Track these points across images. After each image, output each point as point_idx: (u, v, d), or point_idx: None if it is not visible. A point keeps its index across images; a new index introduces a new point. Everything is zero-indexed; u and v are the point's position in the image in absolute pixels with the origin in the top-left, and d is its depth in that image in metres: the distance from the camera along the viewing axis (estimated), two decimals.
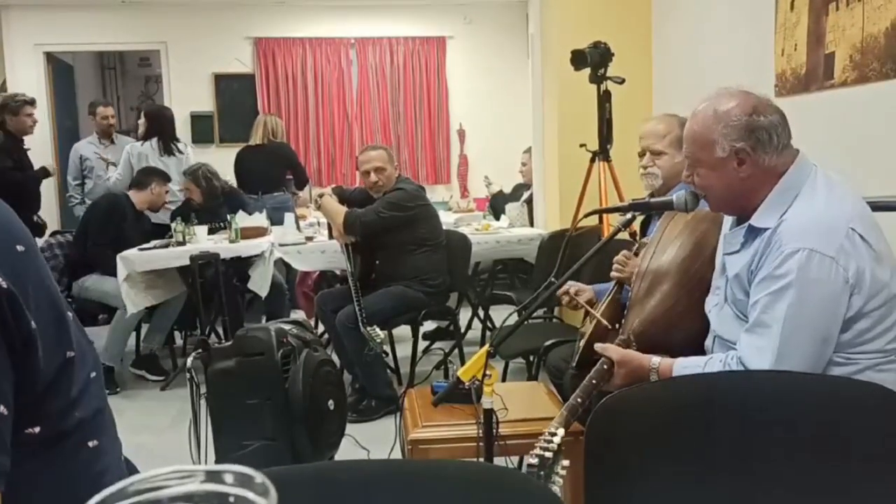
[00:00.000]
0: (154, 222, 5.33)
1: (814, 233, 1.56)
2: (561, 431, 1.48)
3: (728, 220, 1.86)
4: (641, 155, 2.62)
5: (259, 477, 0.41)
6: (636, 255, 2.28)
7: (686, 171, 1.80)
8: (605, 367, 1.79)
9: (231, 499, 0.41)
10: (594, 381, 1.75)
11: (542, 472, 1.40)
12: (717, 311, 1.82)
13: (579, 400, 1.66)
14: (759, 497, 1.19)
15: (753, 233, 1.69)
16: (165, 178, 4.96)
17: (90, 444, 1.00)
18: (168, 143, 5.56)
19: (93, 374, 1.04)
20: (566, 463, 1.43)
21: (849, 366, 1.58)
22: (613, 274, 2.30)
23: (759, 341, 1.58)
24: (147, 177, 4.87)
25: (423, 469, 1.00)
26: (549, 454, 1.41)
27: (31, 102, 5.38)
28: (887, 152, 2.72)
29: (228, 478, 0.41)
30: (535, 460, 1.42)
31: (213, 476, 0.41)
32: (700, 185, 1.76)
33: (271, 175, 5.91)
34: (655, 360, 1.76)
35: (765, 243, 1.63)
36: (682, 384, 1.40)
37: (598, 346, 1.87)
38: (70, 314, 1.01)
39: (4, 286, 0.88)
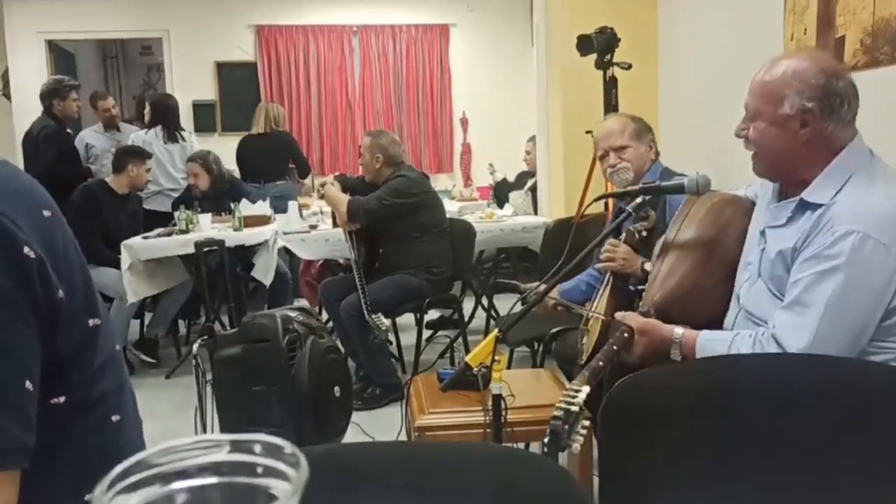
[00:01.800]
0: (157, 210, 5.34)
1: (871, 217, 1.51)
2: (585, 388, 1.46)
3: (767, 195, 1.80)
4: (603, 157, 2.68)
5: (289, 447, 0.40)
6: (626, 242, 2.27)
7: (742, 122, 1.72)
8: (625, 335, 1.77)
9: (259, 469, 0.39)
10: (615, 348, 1.73)
11: (566, 426, 1.39)
12: (748, 286, 1.76)
13: (600, 363, 1.64)
14: (781, 484, 1.17)
15: (803, 208, 1.64)
16: (142, 156, 4.83)
17: (113, 418, 1.00)
18: (172, 130, 5.55)
19: (117, 348, 1.04)
20: (587, 423, 1.42)
21: (879, 354, 1.54)
22: (604, 265, 2.28)
23: (796, 320, 1.54)
24: (123, 159, 4.75)
25: (434, 450, 0.99)
26: (574, 407, 1.40)
27: (77, 87, 5.44)
28: None
29: (257, 448, 0.39)
30: (559, 413, 1.41)
31: (240, 446, 0.40)
32: (754, 140, 1.69)
33: (273, 164, 5.90)
34: (678, 331, 1.73)
35: (814, 222, 1.58)
36: (702, 366, 1.38)
37: (618, 315, 1.85)
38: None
39: (33, 255, 0.87)
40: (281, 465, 0.39)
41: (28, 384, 0.86)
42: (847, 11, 2.89)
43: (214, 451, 0.40)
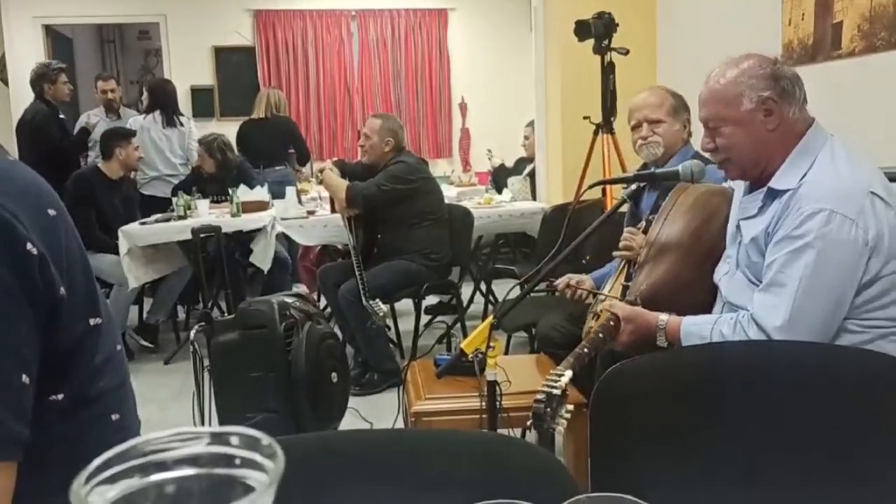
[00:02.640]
0: (156, 196, 5.34)
1: (835, 194, 1.56)
2: (568, 373, 1.48)
3: (740, 188, 1.85)
4: (636, 128, 2.62)
5: (266, 439, 0.40)
6: (644, 232, 2.26)
7: (705, 137, 1.77)
8: (611, 323, 1.78)
9: (237, 461, 0.40)
10: (601, 336, 1.75)
11: (547, 410, 1.40)
12: (727, 279, 1.81)
13: (585, 350, 1.66)
14: (768, 470, 1.18)
15: (772, 195, 1.69)
16: (126, 135, 4.77)
17: (112, 417, 1.01)
18: (171, 115, 5.54)
19: (118, 347, 1.04)
20: (570, 407, 1.44)
21: (860, 334, 1.58)
22: (620, 253, 2.28)
23: (773, 299, 1.59)
24: (108, 144, 4.70)
25: (427, 438, 1.00)
26: (556, 391, 1.42)
27: (65, 69, 5.44)
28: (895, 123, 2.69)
29: (234, 440, 0.40)
30: (541, 396, 1.42)
31: (218, 438, 0.40)
32: (724, 147, 1.73)
33: (273, 149, 5.89)
34: (663, 317, 1.77)
35: (783, 205, 1.63)
36: (690, 354, 1.40)
37: (605, 304, 1.87)
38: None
39: (35, 252, 0.88)
40: (258, 457, 0.39)
41: (25, 377, 0.87)
42: None
43: (193, 442, 0.40)
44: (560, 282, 2.56)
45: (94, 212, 4.47)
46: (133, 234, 4.30)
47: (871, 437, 1.25)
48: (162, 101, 5.57)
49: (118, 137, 4.72)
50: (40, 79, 5.39)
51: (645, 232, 2.25)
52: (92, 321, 0.97)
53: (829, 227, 1.53)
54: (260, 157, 5.80)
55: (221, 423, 2.47)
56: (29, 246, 0.87)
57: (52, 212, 0.95)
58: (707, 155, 1.83)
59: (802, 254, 1.56)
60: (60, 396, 0.94)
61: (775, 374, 1.26)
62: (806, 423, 1.21)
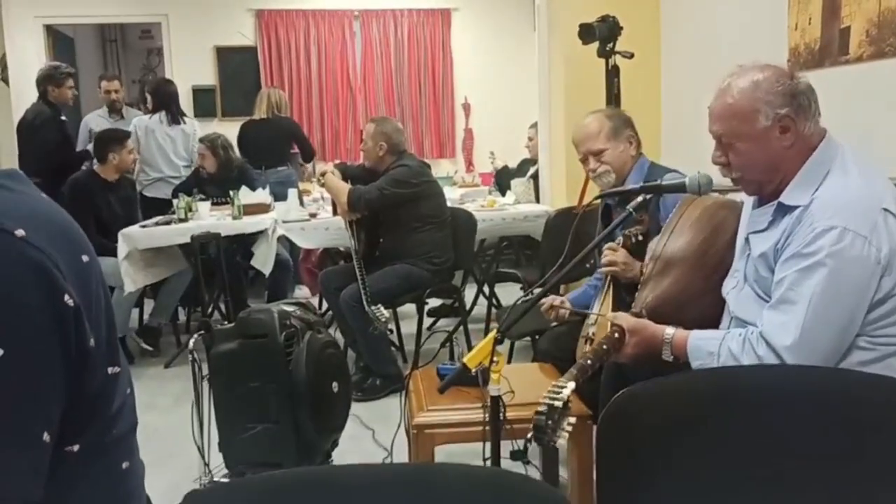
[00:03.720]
0: (158, 198, 5.32)
1: (848, 211, 1.53)
2: (571, 384, 1.45)
3: (749, 201, 1.81)
4: (583, 161, 2.63)
5: None
6: (624, 246, 2.24)
7: (717, 151, 1.73)
8: (615, 335, 1.75)
9: None
10: (605, 347, 1.72)
11: (549, 422, 1.37)
12: (735, 293, 1.78)
13: (589, 361, 1.63)
14: (780, 496, 1.16)
15: (783, 211, 1.66)
16: (120, 139, 4.73)
17: (123, 465, 0.98)
18: (175, 115, 5.54)
19: (129, 391, 1.01)
20: (573, 420, 1.41)
21: (870, 351, 1.55)
22: (605, 270, 2.26)
23: (783, 317, 1.55)
24: (102, 148, 4.67)
25: (425, 473, 0.97)
26: (557, 403, 1.39)
27: (73, 74, 5.43)
28: None
29: None
30: (543, 408, 1.40)
31: None
32: (737, 164, 1.70)
33: (275, 149, 5.87)
34: (669, 331, 1.73)
35: (794, 221, 1.60)
36: (700, 379, 1.36)
37: (609, 315, 1.84)
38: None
39: (72, 304, 0.85)
40: None
41: (46, 436, 0.84)
42: (853, 1, 2.84)
43: None
44: (544, 305, 2.55)
45: (93, 217, 4.45)
46: (133, 236, 4.28)
47: (882, 462, 1.22)
48: (165, 101, 5.55)
49: (112, 142, 4.69)
50: (46, 80, 5.38)
51: (624, 246, 2.24)
52: (111, 370, 0.95)
53: (842, 244, 1.50)
54: (262, 157, 5.78)
55: (221, 433, 2.44)
56: (66, 297, 0.84)
57: (85, 258, 0.91)
58: (717, 168, 1.79)
59: (814, 272, 1.52)
60: (76, 448, 0.91)
61: (788, 401, 1.23)
62: (818, 452, 1.18)
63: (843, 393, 1.28)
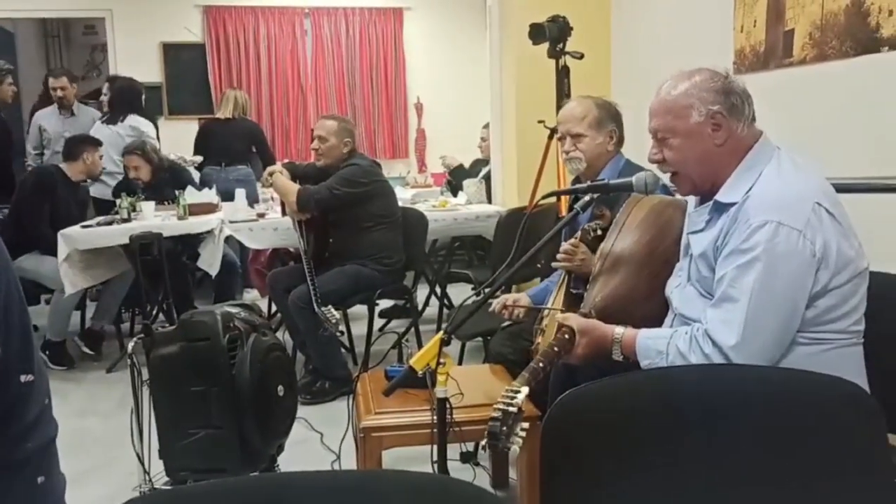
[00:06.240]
0: (97, 197, 5.17)
1: (781, 206, 1.55)
2: (524, 390, 1.44)
3: (692, 201, 1.83)
4: (561, 139, 2.62)
5: None
6: (582, 240, 2.24)
7: (653, 147, 1.76)
8: (566, 336, 1.74)
9: None
10: (556, 349, 1.71)
11: (503, 429, 1.36)
12: (679, 291, 1.79)
13: (541, 364, 1.62)
14: (724, 495, 1.15)
15: (719, 209, 1.68)
16: (96, 143, 4.74)
17: (38, 480, 0.92)
18: (137, 113, 5.50)
19: (46, 401, 0.95)
20: (526, 425, 1.40)
21: (810, 346, 1.57)
22: (561, 265, 2.25)
23: (725, 315, 1.57)
24: (78, 146, 4.64)
25: (365, 481, 0.94)
26: (512, 409, 1.37)
27: (12, 72, 5.29)
28: (846, 133, 2.70)
29: None
30: (497, 414, 1.38)
31: None
32: (672, 159, 1.72)
33: (236, 149, 5.82)
34: (619, 330, 1.74)
35: (731, 219, 1.62)
36: (645, 380, 1.36)
37: (559, 316, 1.83)
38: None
39: None
40: None
41: None
42: (797, 4, 2.89)
43: None
44: (496, 304, 2.53)
45: (50, 209, 4.38)
46: (73, 237, 4.14)
47: (823, 458, 1.23)
48: (132, 101, 5.51)
49: (88, 143, 4.71)
50: None
51: (583, 240, 2.23)
52: (24, 378, 0.89)
53: (777, 239, 1.52)
54: (222, 155, 5.72)
55: (161, 439, 2.36)
56: None
57: None
58: (654, 167, 1.80)
59: (751, 267, 1.54)
60: None
61: (730, 400, 1.23)
62: (761, 450, 1.18)
63: (784, 391, 1.28)
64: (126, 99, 5.55)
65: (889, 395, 1.38)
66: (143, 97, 5.75)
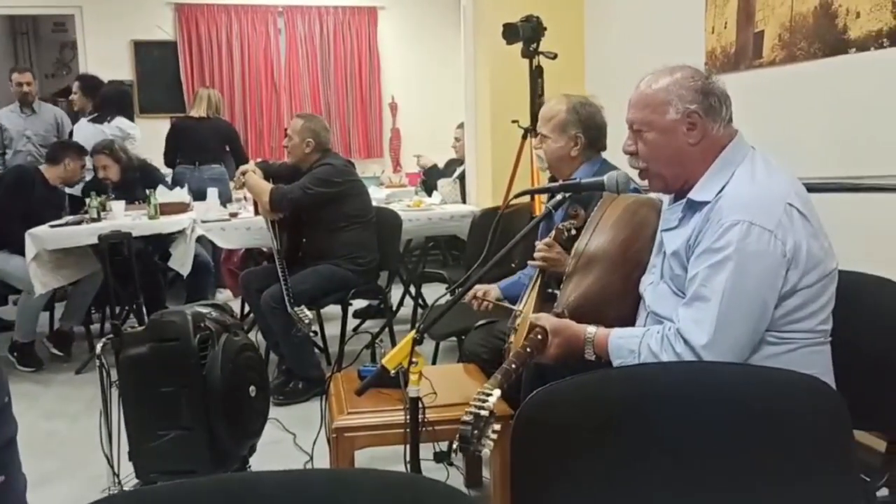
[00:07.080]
0: (70, 194, 5.11)
1: (753, 206, 1.56)
2: (496, 392, 1.43)
3: (665, 199, 1.84)
4: (536, 135, 2.64)
5: None
6: (556, 239, 2.24)
7: (628, 139, 1.76)
8: (538, 336, 1.74)
9: None
10: (528, 350, 1.71)
11: (475, 431, 1.36)
12: (652, 289, 1.80)
13: (513, 366, 1.62)
14: (693, 492, 1.15)
15: (692, 208, 1.69)
16: (81, 151, 4.73)
17: None
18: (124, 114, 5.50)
19: (6, 399, 0.93)
20: (497, 427, 1.39)
21: (778, 345, 1.58)
22: (536, 263, 2.25)
23: (697, 314, 1.58)
24: (61, 151, 4.64)
25: (341, 479, 0.93)
26: (484, 412, 1.37)
27: None
28: (814, 133, 2.74)
29: None
30: (469, 417, 1.38)
31: None
32: (643, 153, 1.73)
33: (210, 148, 5.78)
34: (591, 330, 1.74)
35: (703, 218, 1.63)
36: (616, 379, 1.36)
37: (531, 316, 1.83)
38: None
39: None
40: None
41: None
42: (766, 6, 2.92)
43: None
44: (467, 295, 2.53)
45: (25, 207, 4.34)
46: (41, 237, 4.07)
47: (795, 454, 1.24)
48: (120, 102, 5.52)
49: (72, 149, 4.69)
50: None
51: (557, 240, 2.23)
52: None
53: (748, 239, 1.53)
54: (196, 154, 5.69)
55: (131, 441, 2.33)
56: None
57: None
58: (627, 158, 1.80)
59: (723, 266, 1.55)
60: None
61: (701, 398, 1.23)
62: (731, 447, 1.19)
63: (753, 388, 1.29)
64: (115, 101, 5.56)
65: (856, 393, 1.39)
66: (132, 101, 5.74)
